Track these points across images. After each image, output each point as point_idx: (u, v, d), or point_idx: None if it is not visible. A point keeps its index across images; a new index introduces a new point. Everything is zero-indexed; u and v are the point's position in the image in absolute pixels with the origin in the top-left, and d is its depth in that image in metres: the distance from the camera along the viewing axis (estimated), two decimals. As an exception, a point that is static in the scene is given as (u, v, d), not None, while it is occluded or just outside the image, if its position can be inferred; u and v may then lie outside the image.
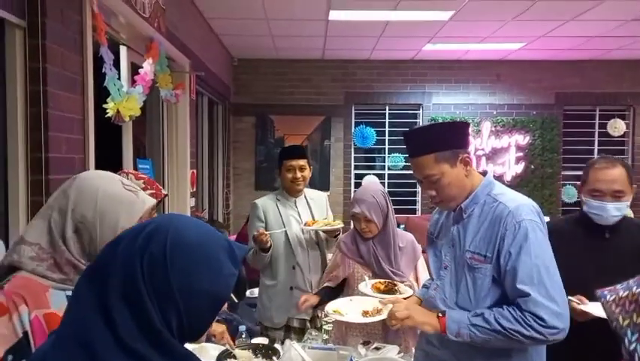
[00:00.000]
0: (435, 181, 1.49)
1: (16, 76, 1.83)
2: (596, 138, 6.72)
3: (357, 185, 6.71)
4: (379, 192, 2.26)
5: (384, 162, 6.78)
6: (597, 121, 6.72)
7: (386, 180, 6.76)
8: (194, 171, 4.35)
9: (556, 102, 6.60)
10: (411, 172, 6.59)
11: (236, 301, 3.86)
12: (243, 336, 1.95)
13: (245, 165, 6.68)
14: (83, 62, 2.17)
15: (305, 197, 2.78)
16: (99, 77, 2.37)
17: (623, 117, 6.68)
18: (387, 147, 6.76)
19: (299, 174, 2.65)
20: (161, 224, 0.79)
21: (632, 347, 0.46)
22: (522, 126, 6.56)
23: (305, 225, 2.60)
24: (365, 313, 1.75)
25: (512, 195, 1.52)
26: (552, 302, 1.32)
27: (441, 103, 6.62)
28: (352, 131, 6.67)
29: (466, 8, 4.32)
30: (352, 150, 6.68)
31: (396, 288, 2.05)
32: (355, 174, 6.73)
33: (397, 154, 6.76)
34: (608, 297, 0.70)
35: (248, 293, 4.07)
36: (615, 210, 1.81)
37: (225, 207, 6.33)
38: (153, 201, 1.26)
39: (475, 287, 1.45)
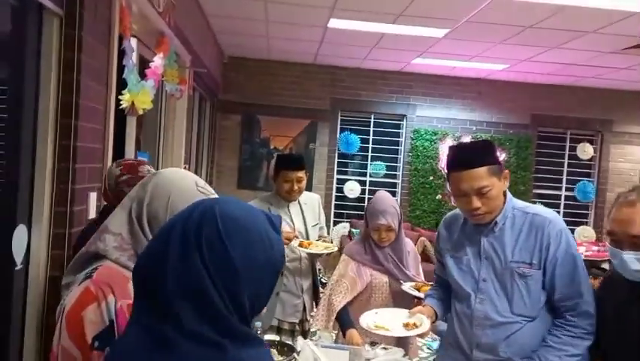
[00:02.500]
0: (485, 193, 1.57)
1: (51, 64, 1.84)
2: (566, 160, 7.09)
3: (339, 190, 6.84)
4: (395, 202, 2.38)
5: (367, 169, 6.93)
6: (568, 144, 7.09)
7: (367, 187, 6.91)
8: (187, 166, 4.36)
9: (532, 123, 6.94)
10: (391, 180, 6.87)
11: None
12: (258, 332, 2.00)
13: (228, 163, 6.69)
14: (108, 53, 2.19)
15: (298, 201, 2.73)
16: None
17: (591, 142, 7.08)
18: (370, 154, 6.91)
19: (296, 186, 2.60)
20: (206, 205, 0.80)
21: None
22: (499, 144, 6.84)
23: (300, 245, 2.56)
24: (406, 326, 1.76)
25: (537, 207, 1.69)
26: (593, 303, 1.55)
27: (424, 116, 6.84)
28: (337, 136, 6.79)
29: (461, 28, 4.51)
30: (336, 155, 6.80)
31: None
32: (337, 178, 6.85)
33: (379, 162, 6.92)
34: None
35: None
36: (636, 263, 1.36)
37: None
38: None
39: (530, 293, 1.58)
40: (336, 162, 6.81)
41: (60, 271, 1.84)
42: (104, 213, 1.69)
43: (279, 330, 2.65)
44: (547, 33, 4.49)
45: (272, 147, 6.67)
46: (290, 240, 2.51)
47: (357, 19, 4.49)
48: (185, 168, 4.26)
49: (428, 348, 4.36)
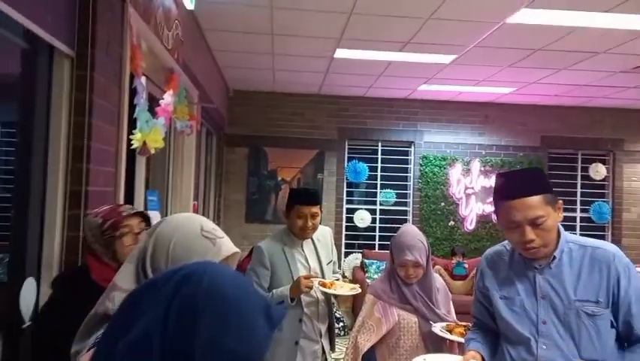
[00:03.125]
0: (540, 223, 1.44)
1: (61, 106, 1.77)
2: (579, 181, 6.97)
3: (349, 219, 6.72)
4: (422, 236, 2.24)
5: (376, 197, 6.82)
6: (579, 165, 6.99)
7: (377, 216, 6.78)
8: (196, 203, 4.26)
9: (542, 145, 6.85)
10: (401, 208, 6.75)
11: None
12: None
13: (236, 196, 6.59)
14: (120, 93, 2.13)
15: (311, 238, 2.59)
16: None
17: (603, 162, 6.98)
18: (379, 182, 6.81)
19: (310, 223, 2.46)
20: (197, 269, 0.71)
21: None
22: (509, 167, 6.74)
23: (320, 284, 2.40)
24: None
25: (592, 240, 1.56)
26: None
27: (432, 141, 6.77)
28: (345, 165, 6.71)
29: (469, 53, 4.48)
30: (345, 184, 6.71)
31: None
32: (347, 208, 6.74)
33: (389, 190, 6.82)
34: None
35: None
36: None
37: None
38: (231, 250, 1.17)
39: (599, 334, 1.44)
40: (344, 192, 6.71)
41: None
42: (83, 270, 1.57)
43: None
44: (556, 55, 4.45)
45: (279, 178, 6.59)
46: (310, 287, 2.34)
47: (364, 48, 4.47)
48: (194, 204, 4.16)
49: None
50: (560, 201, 1.52)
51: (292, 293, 2.35)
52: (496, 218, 1.62)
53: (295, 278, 2.37)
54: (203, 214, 5.86)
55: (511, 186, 1.51)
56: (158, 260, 1.06)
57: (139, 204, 2.99)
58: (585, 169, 6.98)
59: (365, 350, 2.15)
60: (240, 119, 6.56)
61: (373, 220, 6.76)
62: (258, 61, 5.07)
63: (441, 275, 5.92)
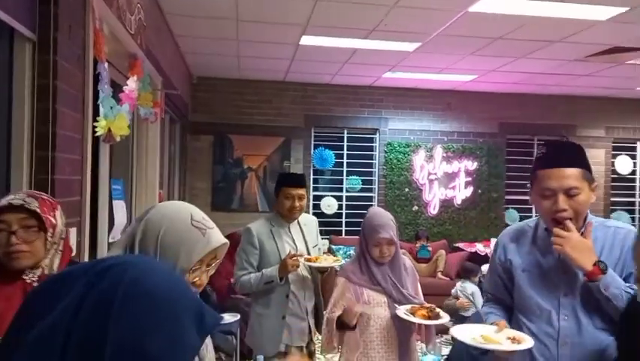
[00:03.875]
0: (574, 195, 1.50)
1: (24, 92, 1.70)
2: (535, 166, 7.25)
3: (316, 206, 6.77)
4: (391, 216, 2.31)
5: (343, 184, 6.89)
6: (535, 150, 7.27)
7: (344, 202, 6.86)
8: (162, 191, 4.19)
9: (500, 131, 7.08)
10: (367, 194, 6.85)
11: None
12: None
13: (201, 184, 6.51)
14: (84, 78, 2.06)
15: (298, 222, 2.78)
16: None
17: (558, 147, 7.28)
18: (345, 169, 6.88)
19: (297, 203, 2.66)
20: (121, 262, 0.64)
21: None
22: (470, 153, 6.95)
23: (306, 260, 2.59)
24: (513, 340, 1.55)
25: (615, 221, 1.66)
26: None
27: (397, 128, 6.88)
28: (312, 153, 6.73)
29: (432, 41, 4.57)
30: (311, 171, 6.74)
31: (438, 312, 2.12)
32: (314, 195, 6.78)
33: (355, 176, 6.90)
34: None
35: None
36: None
37: (181, 228, 6.12)
38: (221, 241, 1.16)
39: (617, 309, 1.46)
40: (311, 179, 6.74)
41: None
42: None
43: (285, 355, 2.59)
44: (514, 44, 4.60)
45: (245, 166, 6.55)
46: (297, 266, 2.50)
47: (330, 35, 4.48)
48: (160, 193, 4.09)
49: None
50: (596, 184, 1.58)
51: (280, 273, 2.52)
52: (530, 189, 1.64)
53: (283, 258, 2.55)
54: (168, 203, 5.75)
55: (552, 155, 1.56)
56: (146, 247, 1.05)
57: (104, 194, 2.92)
58: (541, 154, 7.27)
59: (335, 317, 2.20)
60: (204, 107, 6.46)
61: (340, 207, 6.84)
62: (223, 47, 4.99)
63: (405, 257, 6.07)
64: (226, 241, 1.18)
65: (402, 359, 2.20)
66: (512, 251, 1.68)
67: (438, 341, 5.09)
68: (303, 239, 2.74)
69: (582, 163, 1.55)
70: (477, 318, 1.88)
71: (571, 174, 1.51)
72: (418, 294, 2.37)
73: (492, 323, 1.65)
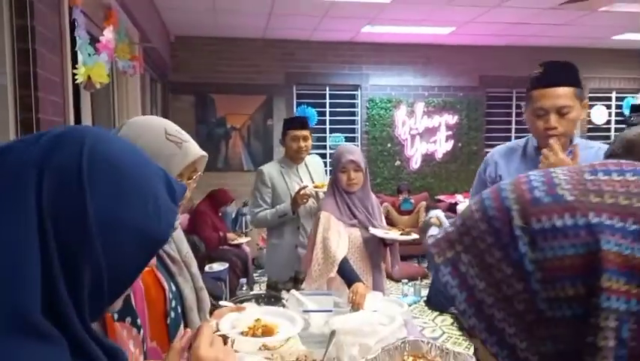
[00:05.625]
0: (566, 113, 1.58)
1: (3, 33, 1.75)
2: (514, 118, 7.41)
3: (299, 164, 6.86)
4: (360, 151, 2.45)
5: (326, 141, 6.98)
6: (514, 102, 7.41)
7: (327, 160, 6.96)
8: (145, 147, 4.25)
9: (480, 85, 7.18)
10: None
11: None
12: (244, 288, 2.04)
13: (185, 145, 6.55)
14: (60, 22, 2.10)
15: (305, 163, 3.01)
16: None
17: (535, 99, 7.42)
18: (328, 126, 6.96)
19: (303, 144, 2.89)
20: (73, 131, 0.58)
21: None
22: (450, 107, 7.06)
23: (313, 187, 2.84)
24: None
25: (598, 142, 1.74)
26: None
27: (378, 84, 6.93)
28: (294, 111, 6.78)
29: (409, -9, 4.59)
30: (294, 129, 6.80)
31: (409, 232, 2.30)
32: (297, 153, 6.87)
33: (338, 134, 6.99)
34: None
35: (207, 268, 4.09)
36: None
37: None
38: (199, 153, 1.17)
39: None
40: (294, 137, 6.80)
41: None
42: None
43: (295, 280, 2.88)
44: (490, -8, 4.64)
45: (229, 125, 6.59)
46: (307, 198, 2.75)
47: (307, -13, 4.47)
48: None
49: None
50: (587, 101, 1.66)
51: (293, 207, 2.78)
52: (524, 111, 1.73)
53: (293, 195, 2.80)
54: (153, 164, 5.80)
55: (546, 75, 1.64)
56: None
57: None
58: (519, 107, 7.40)
59: (339, 257, 2.17)
60: (183, 66, 6.43)
61: (325, 164, 6.92)
62: (199, 2, 4.95)
63: (388, 211, 6.27)
64: (204, 153, 1.24)
65: (375, 284, 2.35)
66: (502, 167, 1.79)
67: (418, 283, 5.35)
68: (310, 178, 2.97)
69: (574, 81, 1.63)
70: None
71: (563, 93, 1.59)
72: (383, 223, 2.52)
73: None
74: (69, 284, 0.52)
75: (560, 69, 1.67)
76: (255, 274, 5.35)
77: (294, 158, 2.95)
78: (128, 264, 0.58)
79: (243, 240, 4.92)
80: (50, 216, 0.52)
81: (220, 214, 5.04)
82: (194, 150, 1.18)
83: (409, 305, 3.81)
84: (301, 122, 2.99)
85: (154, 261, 1.19)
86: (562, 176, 0.46)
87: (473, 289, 0.46)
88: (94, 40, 2.84)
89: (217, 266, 4.06)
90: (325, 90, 6.91)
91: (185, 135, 1.19)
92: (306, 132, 2.91)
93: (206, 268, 4.11)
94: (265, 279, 3.64)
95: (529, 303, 0.43)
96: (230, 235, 4.88)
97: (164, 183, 0.62)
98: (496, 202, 0.46)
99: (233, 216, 5.97)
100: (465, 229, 0.48)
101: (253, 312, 1.30)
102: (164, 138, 1.13)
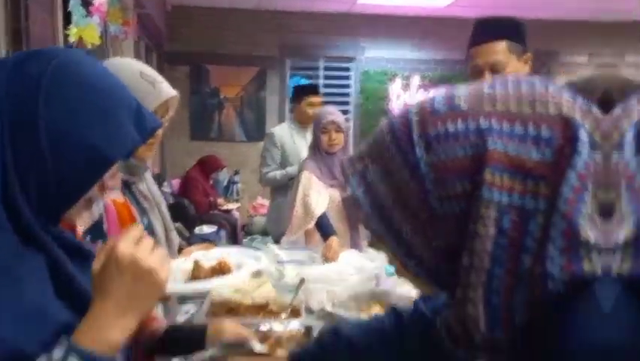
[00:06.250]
0: (499, 70, 1.44)
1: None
2: (508, 93, 7.41)
3: (294, 136, 6.89)
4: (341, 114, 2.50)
5: (320, 113, 6.99)
6: (509, 77, 7.40)
7: (321, 131, 7.00)
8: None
9: (475, 59, 7.15)
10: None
11: (187, 235, 3.94)
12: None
13: (179, 115, 6.54)
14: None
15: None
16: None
17: (538, 74, 7.38)
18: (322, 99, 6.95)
19: (315, 109, 3.10)
20: (53, 48, 0.65)
21: None
22: (447, 80, 7.04)
23: None
24: None
25: None
26: None
27: (374, 57, 6.90)
28: (287, 83, 6.77)
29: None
30: (287, 101, 6.80)
31: None
32: (291, 125, 6.89)
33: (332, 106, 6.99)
34: None
35: (197, 230, 4.15)
36: None
37: (160, 156, 6.24)
38: (172, 93, 1.22)
39: None
40: (287, 109, 6.81)
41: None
42: None
43: None
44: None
45: (222, 96, 6.58)
46: None
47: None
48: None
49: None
50: (529, 54, 1.53)
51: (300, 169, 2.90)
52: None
53: (300, 156, 2.95)
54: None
55: (479, 31, 1.54)
56: None
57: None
58: (514, 81, 7.40)
59: (319, 212, 2.27)
60: (179, 36, 6.39)
61: (318, 136, 6.96)
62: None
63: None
64: (176, 93, 1.30)
65: (353, 245, 2.40)
66: None
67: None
68: None
69: (510, 34, 1.49)
70: None
71: (495, 49, 1.47)
72: None
73: None
74: (21, 184, 0.56)
75: (493, 24, 1.54)
76: (244, 240, 5.43)
77: (305, 122, 3.14)
78: (76, 178, 0.60)
79: (232, 206, 5.00)
80: (8, 120, 0.55)
81: (211, 181, 5.10)
82: (168, 90, 1.26)
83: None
84: (314, 88, 3.30)
85: (123, 197, 1.25)
86: (463, 90, 0.51)
87: (376, 194, 0.50)
88: (86, 4, 2.85)
89: (207, 228, 4.15)
90: (319, 62, 6.89)
91: (159, 77, 1.26)
92: (320, 98, 3.22)
93: (196, 230, 4.18)
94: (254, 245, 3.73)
95: (424, 202, 0.48)
96: (219, 200, 4.96)
97: (134, 112, 0.64)
98: (402, 118, 0.51)
99: (225, 183, 6.04)
100: (374, 144, 0.54)
101: (220, 251, 1.37)
102: (139, 77, 1.19)
